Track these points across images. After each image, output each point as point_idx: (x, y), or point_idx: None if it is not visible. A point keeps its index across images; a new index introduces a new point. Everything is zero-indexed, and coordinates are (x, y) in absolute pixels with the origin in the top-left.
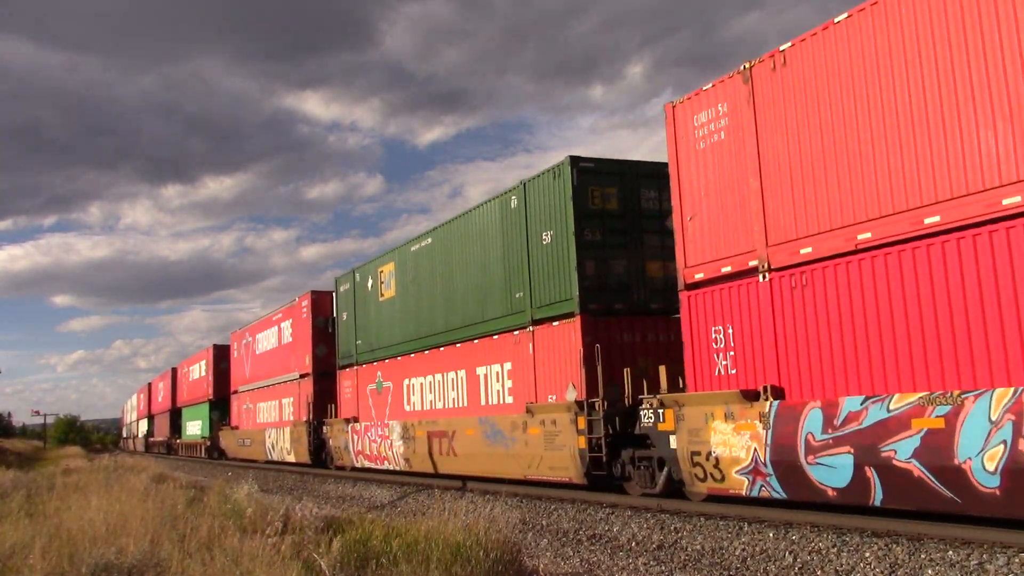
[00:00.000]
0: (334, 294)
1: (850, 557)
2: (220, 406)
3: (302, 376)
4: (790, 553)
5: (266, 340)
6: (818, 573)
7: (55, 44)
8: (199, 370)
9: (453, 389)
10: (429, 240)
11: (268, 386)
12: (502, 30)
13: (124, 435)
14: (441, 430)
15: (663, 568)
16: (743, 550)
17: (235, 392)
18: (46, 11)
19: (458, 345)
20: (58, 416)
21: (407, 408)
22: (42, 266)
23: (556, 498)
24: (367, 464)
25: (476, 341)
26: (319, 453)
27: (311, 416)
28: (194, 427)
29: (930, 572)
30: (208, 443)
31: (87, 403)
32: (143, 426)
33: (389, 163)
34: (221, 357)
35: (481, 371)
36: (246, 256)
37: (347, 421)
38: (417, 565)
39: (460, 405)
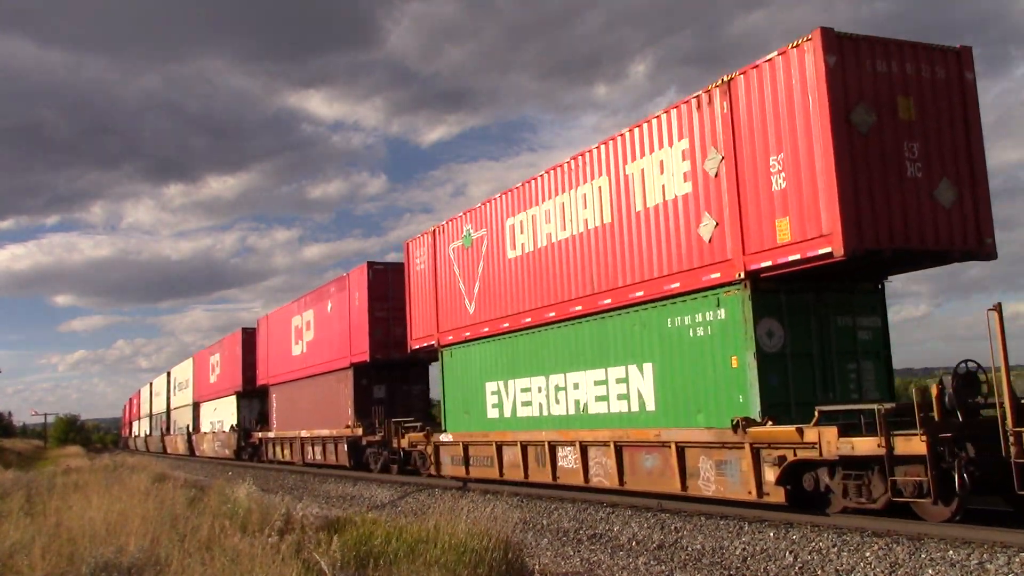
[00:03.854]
0: None
1: (850, 557)
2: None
3: None
4: (790, 553)
5: None
6: (818, 573)
7: (57, 43)
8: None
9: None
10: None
11: None
12: (506, 29)
13: (132, 432)
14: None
15: (663, 568)
16: (743, 549)
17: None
18: (48, 10)
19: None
20: (58, 415)
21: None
22: (44, 265)
23: (556, 498)
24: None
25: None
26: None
27: None
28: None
29: (930, 572)
30: None
31: (88, 403)
32: (209, 415)
33: (392, 162)
34: None
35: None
36: (248, 256)
37: None
38: (420, 565)
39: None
